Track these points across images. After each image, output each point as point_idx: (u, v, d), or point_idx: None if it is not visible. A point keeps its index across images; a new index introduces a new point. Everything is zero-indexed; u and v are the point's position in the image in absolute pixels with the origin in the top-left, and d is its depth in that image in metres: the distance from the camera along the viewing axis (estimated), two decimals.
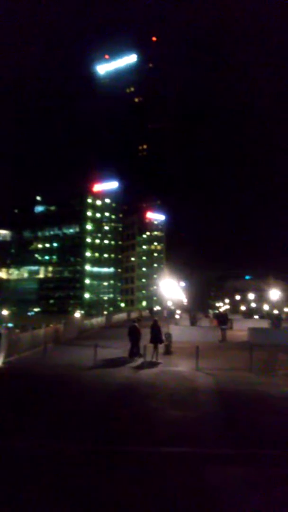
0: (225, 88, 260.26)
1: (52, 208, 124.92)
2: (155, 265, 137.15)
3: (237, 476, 5.62)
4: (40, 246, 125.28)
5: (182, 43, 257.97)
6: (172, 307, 50.50)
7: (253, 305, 62.80)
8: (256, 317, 46.59)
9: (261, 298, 58.30)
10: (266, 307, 56.08)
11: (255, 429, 7.87)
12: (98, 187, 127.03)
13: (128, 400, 10.14)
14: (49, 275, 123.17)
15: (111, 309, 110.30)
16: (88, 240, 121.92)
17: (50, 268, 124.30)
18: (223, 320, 27.08)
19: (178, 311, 41.65)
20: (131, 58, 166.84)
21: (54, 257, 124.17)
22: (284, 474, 5.74)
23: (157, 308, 68.03)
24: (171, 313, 43.15)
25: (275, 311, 41.54)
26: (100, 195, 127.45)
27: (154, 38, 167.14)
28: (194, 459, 6.28)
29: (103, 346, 19.52)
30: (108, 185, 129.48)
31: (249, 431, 7.73)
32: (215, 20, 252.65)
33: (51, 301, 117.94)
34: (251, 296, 65.36)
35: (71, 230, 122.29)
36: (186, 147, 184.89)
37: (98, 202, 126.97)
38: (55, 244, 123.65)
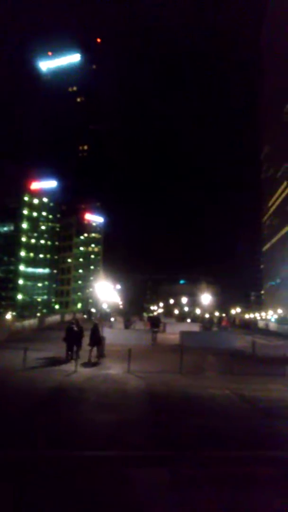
0: (168, 93, 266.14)
1: None
2: (92, 267, 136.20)
3: (159, 478, 5.68)
4: None
5: (127, 46, 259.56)
6: (108, 310, 50.51)
7: (186, 309, 64.67)
8: (188, 320, 47.93)
9: (194, 302, 60.25)
10: (198, 311, 57.98)
11: (181, 430, 8.03)
12: (35, 185, 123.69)
13: (56, 404, 9.93)
14: None
15: (44, 311, 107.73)
16: (23, 239, 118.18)
17: None
18: (155, 323, 27.65)
19: (112, 318, 41.79)
20: (74, 57, 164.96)
21: None
22: (206, 475, 5.89)
23: (93, 310, 67.53)
24: (106, 315, 43.13)
25: (206, 315, 43.13)
26: (38, 194, 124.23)
27: (98, 40, 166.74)
28: (118, 462, 6.28)
29: (34, 349, 19.02)
30: (46, 184, 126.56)
31: (175, 433, 7.87)
32: (161, 25, 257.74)
33: None
34: (184, 300, 67.23)
35: (6, 228, 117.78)
36: (126, 150, 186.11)
37: (35, 201, 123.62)
38: None
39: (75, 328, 17.54)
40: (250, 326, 47.66)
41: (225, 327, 33.80)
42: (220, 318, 41.16)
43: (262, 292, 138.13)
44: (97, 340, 17.51)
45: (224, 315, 65.26)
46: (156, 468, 6.10)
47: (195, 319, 49.27)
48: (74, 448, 6.82)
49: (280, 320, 57.52)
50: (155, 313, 75.88)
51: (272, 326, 54.01)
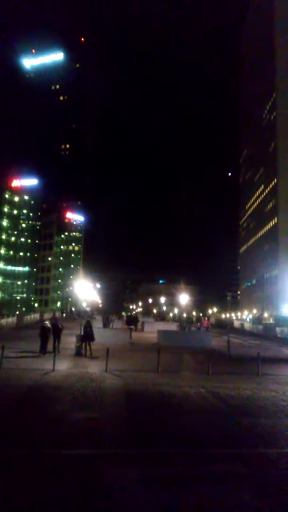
0: (151, 93, 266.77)
1: None
2: (72, 266, 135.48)
3: (131, 476, 5.80)
4: None
5: (111, 45, 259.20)
6: (87, 309, 50.44)
7: (164, 308, 65.22)
8: (166, 320, 48.48)
9: (172, 302, 60.80)
10: (176, 310, 58.57)
11: (155, 428, 8.18)
12: (16, 182, 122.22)
13: (32, 403, 9.96)
14: None
15: (24, 309, 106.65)
16: (3, 237, 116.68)
17: None
18: (131, 321, 28.70)
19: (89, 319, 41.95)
20: (58, 56, 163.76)
21: None
22: (176, 472, 6.02)
23: (72, 309, 67.31)
24: (86, 314, 43.16)
25: (184, 315, 43.67)
26: (18, 191, 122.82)
27: (82, 39, 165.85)
28: (93, 460, 6.38)
29: (12, 348, 19.02)
30: (27, 182, 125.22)
31: (150, 430, 8.01)
32: (145, 25, 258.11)
33: None
34: (162, 299, 67.80)
35: None
36: (108, 149, 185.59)
37: (16, 199, 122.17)
38: None
39: (48, 325, 18.70)
40: (226, 326, 48.42)
41: (206, 328, 34.29)
42: (199, 318, 41.72)
43: (239, 292, 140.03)
44: (90, 335, 18.98)
45: (201, 314, 66.03)
46: (128, 466, 6.21)
47: (173, 318, 49.81)
48: (47, 446, 6.90)
49: (255, 320, 58.58)
50: (133, 313, 76.41)
51: (247, 326, 55.03)
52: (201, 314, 71.86)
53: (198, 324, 36.77)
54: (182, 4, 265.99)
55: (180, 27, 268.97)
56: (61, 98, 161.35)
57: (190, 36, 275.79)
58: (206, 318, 43.35)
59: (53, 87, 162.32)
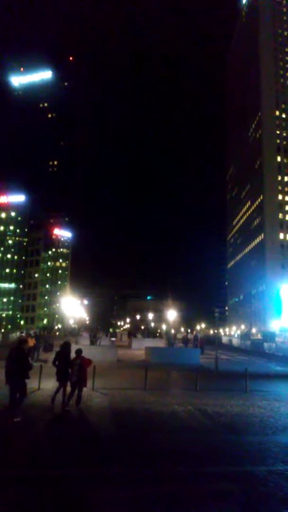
0: (138, 112, 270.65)
1: None
2: (60, 282, 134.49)
3: (117, 495, 5.70)
4: None
5: (99, 64, 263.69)
6: (75, 326, 50.01)
7: (152, 324, 65.04)
8: (153, 336, 48.30)
9: (160, 318, 60.71)
10: (164, 327, 58.41)
11: (141, 448, 8.03)
12: (3, 199, 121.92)
13: (16, 424, 9.82)
14: None
15: (9, 327, 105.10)
16: None
17: None
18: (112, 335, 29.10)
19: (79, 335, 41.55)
20: (46, 74, 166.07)
21: None
22: (164, 492, 5.91)
23: (57, 326, 66.65)
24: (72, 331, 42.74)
25: (172, 331, 43.57)
26: (5, 208, 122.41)
27: (71, 58, 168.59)
28: (75, 481, 6.21)
29: None
30: (14, 198, 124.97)
31: (136, 450, 7.88)
32: (134, 45, 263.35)
33: None
34: (150, 315, 67.70)
35: None
36: (95, 166, 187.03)
37: (3, 215, 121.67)
38: None
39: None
40: (214, 342, 48.38)
41: (201, 346, 34.17)
42: (196, 337, 41.75)
43: (226, 308, 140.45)
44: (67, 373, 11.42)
45: (195, 332, 65.91)
46: (113, 487, 6.08)
47: (160, 334, 49.52)
48: (31, 467, 6.74)
49: (243, 336, 58.70)
50: (121, 329, 76.76)
51: (235, 342, 55.09)
52: (195, 332, 71.83)
53: (195, 343, 36.51)
54: (170, 27, 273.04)
55: (168, 48, 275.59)
56: (49, 115, 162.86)
57: (178, 57, 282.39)
58: (200, 336, 43.20)
59: (41, 105, 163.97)
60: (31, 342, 19.55)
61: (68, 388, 11.36)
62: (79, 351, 11.73)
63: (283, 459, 7.38)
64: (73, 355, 11.79)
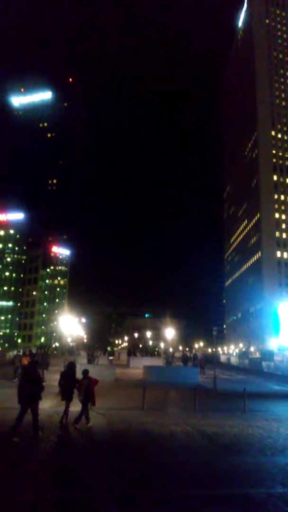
0: (137, 131, 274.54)
1: None
2: (57, 300, 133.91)
3: None
4: None
5: (98, 86, 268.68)
6: (72, 344, 49.59)
7: (150, 342, 64.49)
8: (151, 355, 47.97)
9: (158, 336, 60.36)
10: (162, 345, 58.03)
11: (138, 470, 7.93)
12: (2, 216, 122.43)
13: (9, 444, 9.67)
14: None
15: (6, 345, 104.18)
16: None
17: None
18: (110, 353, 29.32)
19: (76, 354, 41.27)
20: (46, 95, 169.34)
21: None
22: None
23: (55, 344, 66.14)
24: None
25: (170, 349, 43.30)
26: (4, 225, 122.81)
27: (70, 79, 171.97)
28: (74, 505, 6.16)
29: None
30: (13, 216, 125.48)
31: (133, 473, 7.78)
32: (131, 65, 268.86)
33: None
34: (148, 334, 67.29)
35: None
36: (94, 185, 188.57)
37: (1, 232, 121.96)
38: None
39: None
40: (212, 361, 48.03)
41: (202, 365, 33.96)
42: (196, 356, 41.53)
43: (225, 326, 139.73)
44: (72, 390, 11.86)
45: (194, 351, 65.44)
46: (108, 509, 6.00)
47: (159, 353, 49.14)
48: (26, 492, 6.62)
49: (241, 355, 58.31)
50: (119, 347, 76.23)
51: (234, 360, 54.66)
52: (194, 351, 71.39)
53: (195, 362, 36.21)
54: (168, 45, 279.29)
55: (165, 68, 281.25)
56: (49, 135, 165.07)
57: (175, 77, 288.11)
58: (201, 356, 42.95)
59: (41, 125, 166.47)
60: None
61: (76, 408, 11.45)
62: (85, 372, 11.99)
63: (282, 481, 7.29)
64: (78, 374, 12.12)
